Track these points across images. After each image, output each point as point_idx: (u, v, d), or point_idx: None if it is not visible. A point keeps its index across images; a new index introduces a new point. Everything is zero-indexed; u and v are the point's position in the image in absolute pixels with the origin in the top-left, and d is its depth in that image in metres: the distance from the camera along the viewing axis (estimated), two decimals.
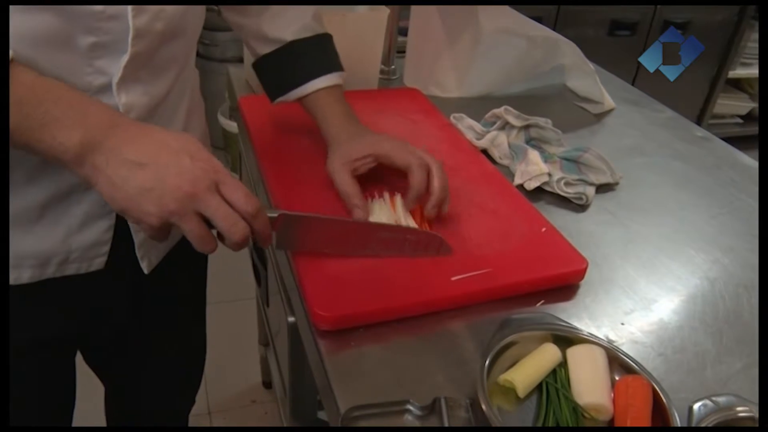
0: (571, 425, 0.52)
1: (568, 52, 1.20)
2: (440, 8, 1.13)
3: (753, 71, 3.15)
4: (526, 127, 0.98)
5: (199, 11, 0.66)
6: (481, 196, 0.80)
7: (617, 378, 0.57)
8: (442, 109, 1.07)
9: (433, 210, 0.72)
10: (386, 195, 0.76)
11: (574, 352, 0.58)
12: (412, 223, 0.72)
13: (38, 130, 0.49)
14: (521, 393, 0.54)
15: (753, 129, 3.32)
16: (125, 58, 0.57)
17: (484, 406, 0.50)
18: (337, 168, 0.73)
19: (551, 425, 0.52)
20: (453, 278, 0.65)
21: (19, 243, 0.60)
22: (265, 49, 0.80)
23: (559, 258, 0.71)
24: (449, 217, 0.75)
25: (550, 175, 0.88)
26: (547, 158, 0.93)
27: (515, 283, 0.67)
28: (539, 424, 0.52)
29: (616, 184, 0.94)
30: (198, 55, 1.11)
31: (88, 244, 0.65)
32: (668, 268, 0.78)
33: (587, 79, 1.21)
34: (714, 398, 0.55)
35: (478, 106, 1.09)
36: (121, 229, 0.66)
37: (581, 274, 0.70)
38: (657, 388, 0.54)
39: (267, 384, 1.67)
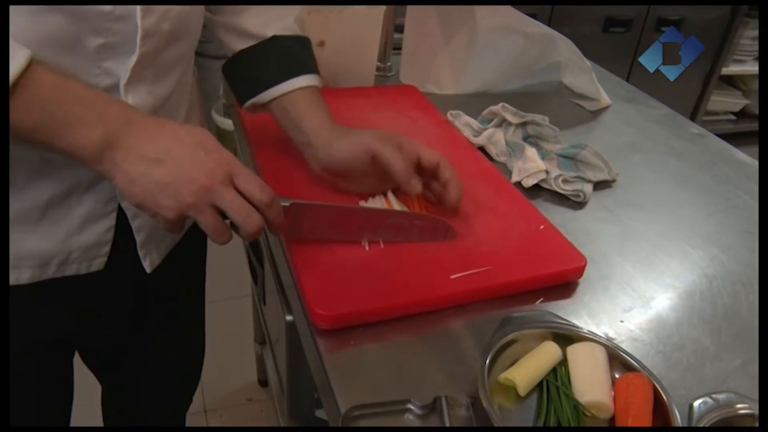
0: (572, 424, 0.52)
1: (565, 49, 1.20)
2: (436, 5, 1.12)
3: (746, 68, 3.16)
4: (523, 124, 0.98)
5: (200, 11, 0.66)
6: (479, 193, 0.80)
7: (617, 376, 0.56)
8: (439, 106, 1.06)
9: (455, 201, 0.72)
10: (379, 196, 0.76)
11: (575, 350, 0.58)
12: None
13: (60, 129, 0.49)
14: (522, 391, 0.54)
15: (746, 126, 3.33)
16: (133, 59, 0.57)
17: (485, 405, 0.50)
18: (399, 163, 0.70)
19: (552, 424, 0.52)
20: (452, 276, 0.65)
21: (20, 243, 0.60)
22: (240, 45, 0.76)
23: (557, 256, 0.71)
24: (447, 214, 0.74)
25: (547, 172, 0.88)
26: (544, 155, 0.92)
27: (514, 281, 0.66)
28: (540, 423, 0.52)
29: (614, 181, 0.94)
30: None
31: (89, 245, 0.64)
32: (666, 266, 0.78)
33: (583, 76, 1.21)
34: (714, 395, 0.55)
35: (475, 103, 1.09)
36: (122, 230, 0.66)
37: (580, 271, 0.70)
38: (657, 386, 0.54)
39: (263, 382, 1.66)
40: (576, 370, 0.56)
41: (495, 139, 0.95)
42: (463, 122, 1.00)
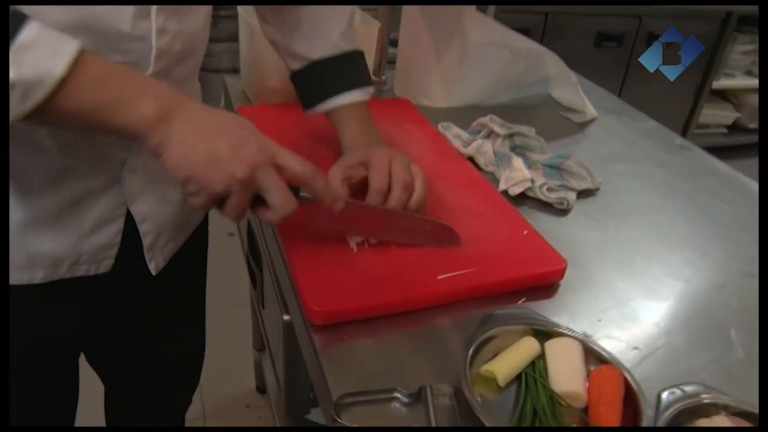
0: (547, 412, 0.55)
1: (552, 63, 1.25)
2: (429, 21, 1.17)
3: (736, 82, 3.23)
4: (511, 136, 1.02)
5: (206, 32, 0.71)
6: (467, 200, 0.84)
7: (592, 369, 0.60)
8: (431, 119, 1.11)
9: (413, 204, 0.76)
10: None
11: (552, 345, 0.62)
12: None
13: (118, 105, 0.53)
14: (501, 382, 0.58)
15: (738, 139, 3.39)
16: (148, 74, 0.61)
17: (466, 394, 0.54)
18: (333, 173, 0.77)
19: (528, 412, 0.55)
20: (439, 277, 0.69)
21: (35, 244, 0.64)
22: (293, 65, 0.85)
23: (539, 258, 0.75)
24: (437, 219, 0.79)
25: (533, 181, 0.92)
26: (530, 165, 0.97)
27: (498, 281, 0.71)
28: (518, 411, 0.56)
29: (597, 189, 0.98)
30: None
31: (98, 247, 0.68)
32: (644, 269, 0.82)
33: (570, 89, 1.26)
34: (682, 386, 0.59)
35: (466, 115, 1.13)
36: (129, 234, 0.70)
37: (561, 273, 0.75)
38: (628, 378, 0.58)
39: (261, 389, 1.70)
40: (553, 362, 0.60)
41: (483, 149, 1.00)
42: (454, 134, 1.05)
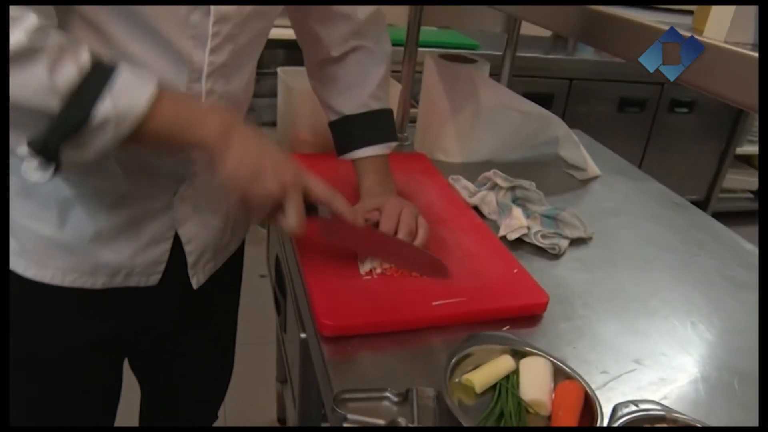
0: (513, 416, 0.65)
1: (558, 125, 1.37)
2: (445, 85, 1.32)
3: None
4: (512, 188, 1.14)
5: (250, 88, 0.85)
6: (467, 242, 0.96)
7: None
8: (445, 172, 1.24)
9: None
10: None
11: (526, 362, 0.72)
12: None
13: (189, 125, 0.67)
14: (478, 390, 0.68)
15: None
16: (197, 98, 0.75)
17: (445, 396, 0.65)
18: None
19: (497, 413, 0.65)
20: (434, 303, 0.80)
21: (99, 255, 0.78)
22: (332, 117, 1.00)
23: (525, 292, 0.86)
24: (439, 257, 0.90)
25: (528, 228, 1.03)
26: (529, 215, 1.08)
27: (484, 309, 0.82)
28: (487, 412, 0.66)
29: (590, 238, 1.08)
30: None
31: (150, 262, 0.82)
32: (624, 308, 0.91)
33: (575, 149, 1.38)
34: (637, 402, 0.68)
35: (476, 170, 1.25)
36: (175, 253, 0.83)
37: (543, 306, 0.85)
38: (588, 391, 0.68)
39: (282, 420, 1.79)
40: (524, 376, 0.70)
41: (487, 200, 1.12)
42: (462, 185, 1.17)
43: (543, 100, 1.40)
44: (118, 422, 1.00)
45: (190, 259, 0.85)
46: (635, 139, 3.04)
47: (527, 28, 1.59)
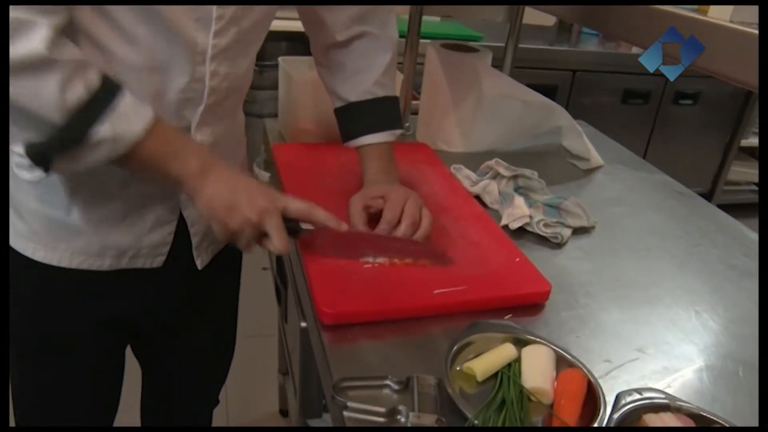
0: (515, 404, 0.65)
1: (561, 115, 1.36)
2: (448, 75, 1.31)
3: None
4: (515, 177, 1.13)
5: (249, 74, 0.85)
6: (468, 231, 0.95)
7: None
8: (447, 162, 1.23)
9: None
10: None
11: (528, 350, 0.71)
12: None
13: (172, 159, 0.71)
14: (479, 378, 0.68)
15: None
16: (201, 108, 0.77)
17: (446, 384, 0.64)
18: (355, 201, 0.92)
19: (498, 401, 0.65)
20: (435, 291, 0.80)
21: (106, 237, 0.79)
22: (337, 104, 1.00)
23: (527, 281, 0.85)
24: (440, 245, 0.89)
25: (531, 217, 1.03)
26: (531, 204, 1.07)
27: (486, 298, 0.81)
28: (489, 399, 0.65)
29: (592, 228, 1.08)
30: None
31: (155, 244, 0.83)
32: (625, 296, 0.91)
33: (578, 139, 1.37)
34: (640, 390, 0.68)
35: (478, 159, 1.24)
36: (180, 235, 0.84)
37: (545, 295, 0.84)
38: (591, 378, 0.67)
39: (284, 412, 1.79)
40: (526, 364, 0.70)
41: (489, 189, 1.11)
42: (464, 174, 1.16)
43: (546, 91, 1.39)
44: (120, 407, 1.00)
45: (194, 240, 0.86)
46: (639, 131, 3.02)
47: (530, 17, 1.58)
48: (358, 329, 0.75)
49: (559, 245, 1.01)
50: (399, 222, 0.87)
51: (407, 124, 1.45)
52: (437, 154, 1.27)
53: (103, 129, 0.63)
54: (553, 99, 1.38)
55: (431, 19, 2.78)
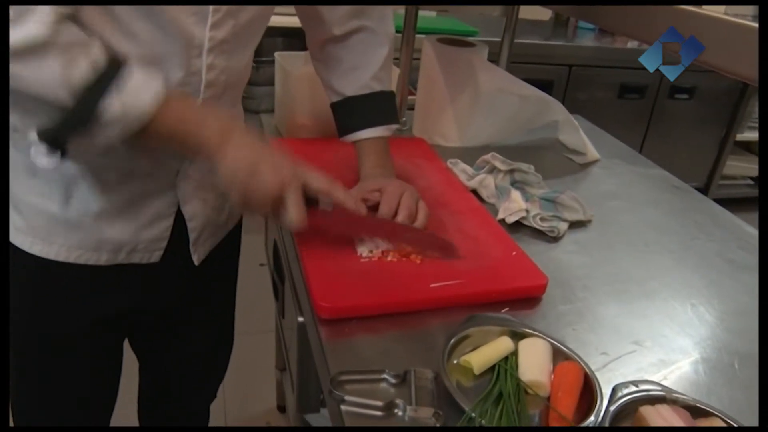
0: (512, 396, 0.65)
1: (558, 109, 1.36)
2: (444, 69, 1.31)
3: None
4: (511, 171, 1.13)
5: (247, 70, 0.85)
6: (464, 225, 0.95)
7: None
8: (444, 156, 1.23)
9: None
10: None
11: (524, 343, 0.71)
12: None
13: (195, 127, 0.70)
14: (476, 371, 0.68)
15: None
16: (198, 101, 0.76)
17: (443, 377, 0.64)
18: (352, 192, 0.90)
19: (495, 394, 0.65)
20: (432, 285, 0.80)
21: (104, 232, 0.79)
22: (333, 98, 1.00)
23: (523, 274, 0.85)
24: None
25: (527, 211, 1.03)
26: (528, 198, 1.07)
27: (483, 291, 0.81)
28: (486, 392, 0.65)
29: (589, 221, 1.08)
30: None
31: (152, 239, 0.83)
32: (623, 290, 0.91)
33: (574, 133, 1.37)
34: (636, 383, 0.68)
35: (475, 153, 1.24)
36: (176, 232, 0.84)
37: (542, 288, 0.84)
38: (587, 370, 0.67)
39: (281, 408, 1.79)
40: (523, 357, 0.70)
41: (486, 183, 1.11)
42: (460, 169, 1.16)
43: (542, 86, 1.39)
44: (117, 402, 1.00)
45: (192, 236, 0.86)
46: (635, 126, 3.03)
47: (526, 12, 1.58)
48: (355, 323, 0.75)
49: (555, 239, 1.01)
50: (395, 215, 0.87)
51: (404, 119, 1.45)
52: (434, 148, 1.27)
53: (113, 106, 0.63)
54: (549, 93, 1.38)
55: (427, 14, 2.77)
